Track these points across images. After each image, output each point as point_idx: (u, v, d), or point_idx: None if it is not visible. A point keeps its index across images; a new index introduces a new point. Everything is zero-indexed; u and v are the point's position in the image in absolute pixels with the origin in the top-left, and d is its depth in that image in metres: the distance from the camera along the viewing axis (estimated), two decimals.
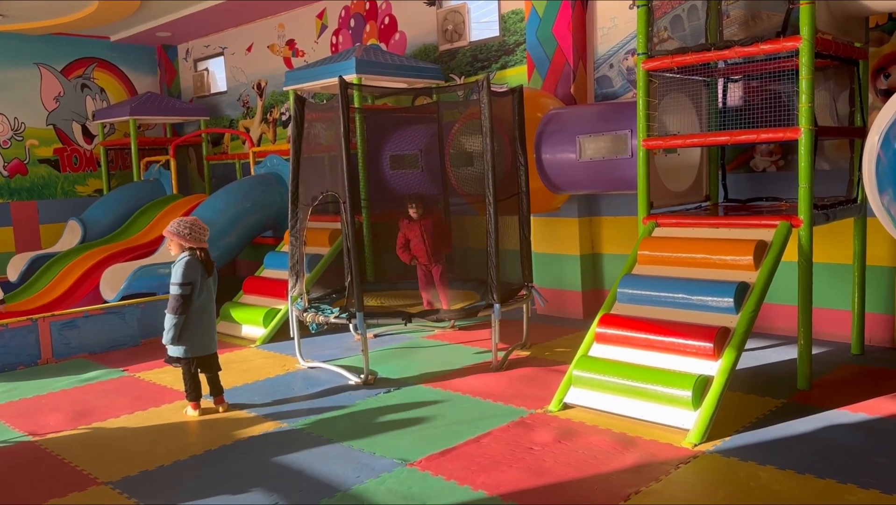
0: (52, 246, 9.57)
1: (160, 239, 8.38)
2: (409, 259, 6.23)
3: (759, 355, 5.35)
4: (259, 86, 10.66)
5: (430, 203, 6.44)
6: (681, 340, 4.09)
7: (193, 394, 4.69)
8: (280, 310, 6.72)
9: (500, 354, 5.49)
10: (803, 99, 4.32)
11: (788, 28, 4.44)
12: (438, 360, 5.72)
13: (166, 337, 4.59)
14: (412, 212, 6.09)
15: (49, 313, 6.43)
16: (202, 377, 4.73)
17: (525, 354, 5.74)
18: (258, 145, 10.54)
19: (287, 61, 10.14)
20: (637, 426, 4.03)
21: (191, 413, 4.68)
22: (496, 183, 5.19)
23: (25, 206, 10.74)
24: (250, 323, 6.77)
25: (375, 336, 6.58)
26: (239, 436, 4.26)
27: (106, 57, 11.59)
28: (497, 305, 5.21)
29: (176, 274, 4.52)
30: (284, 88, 7.97)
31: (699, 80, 5.40)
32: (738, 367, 4.11)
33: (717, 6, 5.37)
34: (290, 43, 10.08)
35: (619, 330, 4.38)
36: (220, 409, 4.75)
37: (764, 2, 5.60)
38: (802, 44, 4.27)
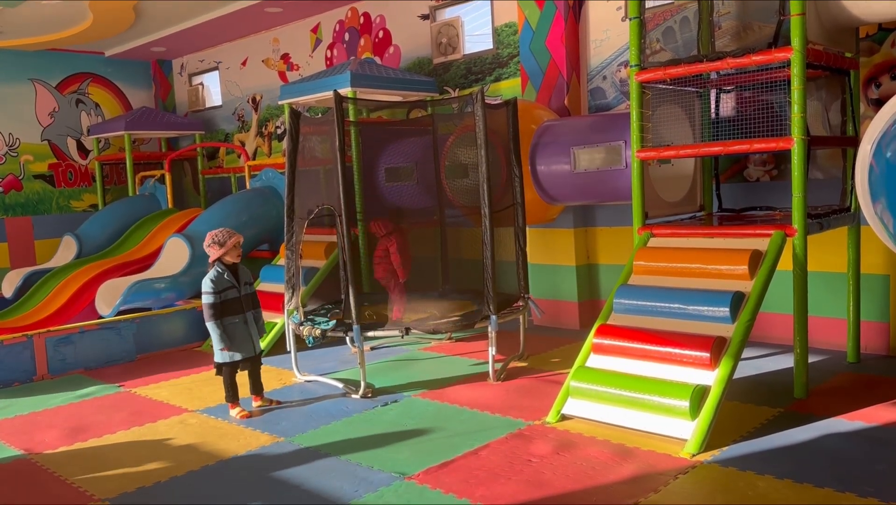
0: (48, 262, 9.55)
1: (156, 253, 8.37)
2: (386, 274, 6.29)
3: (756, 364, 5.36)
4: (254, 100, 10.69)
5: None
6: (677, 350, 4.09)
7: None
8: (276, 323, 6.70)
9: (497, 366, 5.49)
10: (795, 109, 4.35)
11: (780, 39, 4.48)
12: (435, 372, 5.71)
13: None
14: (404, 226, 6.37)
15: (44, 329, 6.41)
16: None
17: (522, 365, 5.74)
18: (253, 159, 10.55)
19: (282, 75, 10.17)
20: (635, 437, 4.03)
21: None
22: (491, 195, 5.21)
23: (20, 221, 10.72)
24: None
25: (372, 348, 6.57)
26: (236, 451, 4.25)
27: (101, 72, 11.61)
28: (494, 317, 5.22)
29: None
30: (279, 102, 7.99)
31: (692, 91, 5.44)
32: (735, 376, 4.12)
33: (709, 18, 5.41)
34: (285, 57, 10.12)
35: (616, 340, 4.38)
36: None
37: (755, 13, 5.65)
38: (794, 54, 4.31)
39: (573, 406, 4.36)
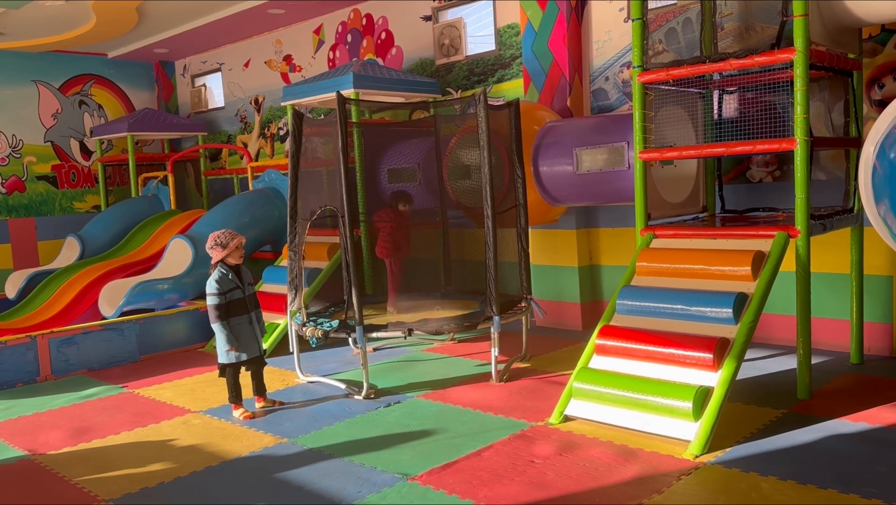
0: (51, 263, 9.57)
1: (159, 254, 8.38)
2: (391, 253, 6.46)
3: (759, 366, 5.36)
4: (257, 101, 10.70)
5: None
6: (680, 351, 4.09)
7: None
8: (279, 324, 6.71)
9: (500, 367, 5.49)
10: (798, 110, 4.35)
11: (783, 40, 4.47)
12: (438, 373, 5.71)
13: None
14: (403, 207, 6.54)
15: (48, 330, 6.42)
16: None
17: (525, 366, 5.74)
18: (256, 160, 10.56)
19: (284, 77, 10.19)
20: (638, 438, 4.03)
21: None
22: (494, 196, 5.21)
23: (23, 222, 10.74)
24: None
25: (375, 349, 6.58)
26: (239, 452, 4.25)
27: (103, 73, 11.64)
28: (496, 318, 5.22)
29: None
30: (282, 104, 8.01)
31: (695, 91, 5.44)
32: (738, 377, 4.11)
33: (712, 19, 5.41)
34: (288, 58, 10.13)
35: (619, 341, 4.38)
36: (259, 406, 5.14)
37: (758, 14, 5.64)
38: (797, 56, 4.31)
39: (576, 407, 4.36)
